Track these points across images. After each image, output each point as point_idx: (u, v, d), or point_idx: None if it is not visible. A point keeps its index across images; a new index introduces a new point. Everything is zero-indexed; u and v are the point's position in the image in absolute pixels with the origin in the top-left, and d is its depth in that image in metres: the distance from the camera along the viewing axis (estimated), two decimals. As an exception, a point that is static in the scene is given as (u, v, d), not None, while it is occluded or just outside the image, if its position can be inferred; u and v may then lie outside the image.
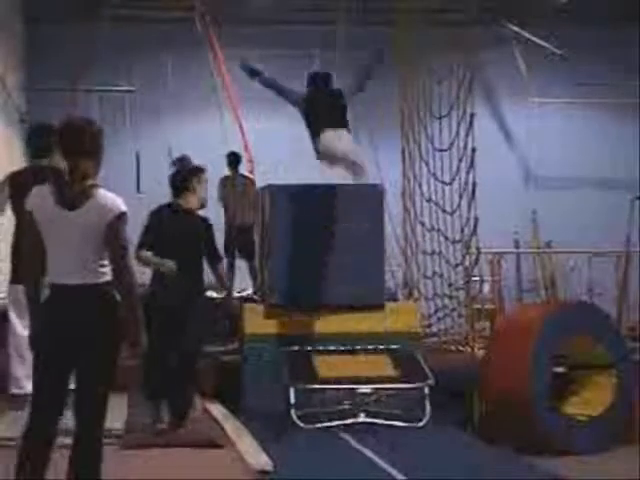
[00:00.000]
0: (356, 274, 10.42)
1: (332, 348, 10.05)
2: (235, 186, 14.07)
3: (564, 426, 8.68)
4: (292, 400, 9.29)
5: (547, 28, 19.29)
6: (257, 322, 10.45)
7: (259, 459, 7.65)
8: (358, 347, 10.09)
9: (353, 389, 9.58)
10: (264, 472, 7.37)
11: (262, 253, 11.47)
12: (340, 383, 9.57)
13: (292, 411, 9.24)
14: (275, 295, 10.56)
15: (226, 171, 14.67)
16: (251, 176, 14.49)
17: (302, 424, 9.17)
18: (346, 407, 9.54)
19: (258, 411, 9.79)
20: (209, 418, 9.41)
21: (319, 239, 10.38)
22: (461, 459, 8.31)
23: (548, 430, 8.52)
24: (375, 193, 10.81)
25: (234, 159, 14.32)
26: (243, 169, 15.22)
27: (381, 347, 10.08)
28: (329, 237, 10.44)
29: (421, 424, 9.29)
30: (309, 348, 9.97)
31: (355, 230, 10.50)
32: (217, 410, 9.82)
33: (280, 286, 10.55)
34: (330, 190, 10.85)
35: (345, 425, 9.24)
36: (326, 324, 10.30)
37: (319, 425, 9.22)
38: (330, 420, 9.35)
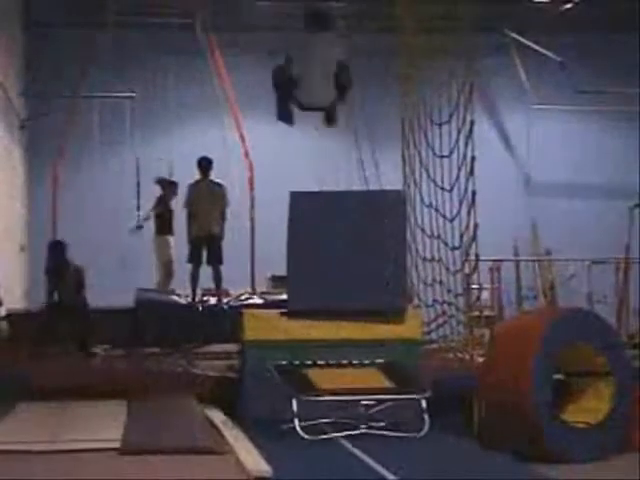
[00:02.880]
0: (376, 280, 10.38)
1: (332, 362, 10.02)
2: (204, 192, 13.81)
3: (564, 434, 8.65)
4: (295, 411, 9.27)
5: (547, 36, 19.33)
6: (257, 328, 10.42)
7: (258, 465, 7.64)
8: (355, 361, 10.06)
9: (354, 401, 9.59)
10: (263, 478, 7.37)
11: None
12: (342, 395, 9.56)
13: (296, 422, 9.22)
14: (292, 301, 10.54)
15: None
16: (222, 182, 14.18)
17: (305, 435, 9.15)
18: (347, 419, 9.54)
19: (257, 417, 9.78)
20: (208, 424, 9.39)
21: (338, 245, 10.33)
22: (460, 466, 8.31)
23: (548, 438, 8.50)
24: (396, 199, 10.79)
25: (205, 164, 14.09)
26: (245, 174, 15.16)
27: (380, 360, 10.06)
28: (349, 243, 10.39)
29: (420, 434, 9.31)
30: (307, 362, 9.93)
31: (375, 236, 10.47)
32: (216, 416, 9.82)
33: (297, 292, 10.52)
34: (350, 196, 10.82)
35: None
36: (326, 331, 10.28)
37: (322, 437, 9.21)
38: (331, 431, 9.34)
